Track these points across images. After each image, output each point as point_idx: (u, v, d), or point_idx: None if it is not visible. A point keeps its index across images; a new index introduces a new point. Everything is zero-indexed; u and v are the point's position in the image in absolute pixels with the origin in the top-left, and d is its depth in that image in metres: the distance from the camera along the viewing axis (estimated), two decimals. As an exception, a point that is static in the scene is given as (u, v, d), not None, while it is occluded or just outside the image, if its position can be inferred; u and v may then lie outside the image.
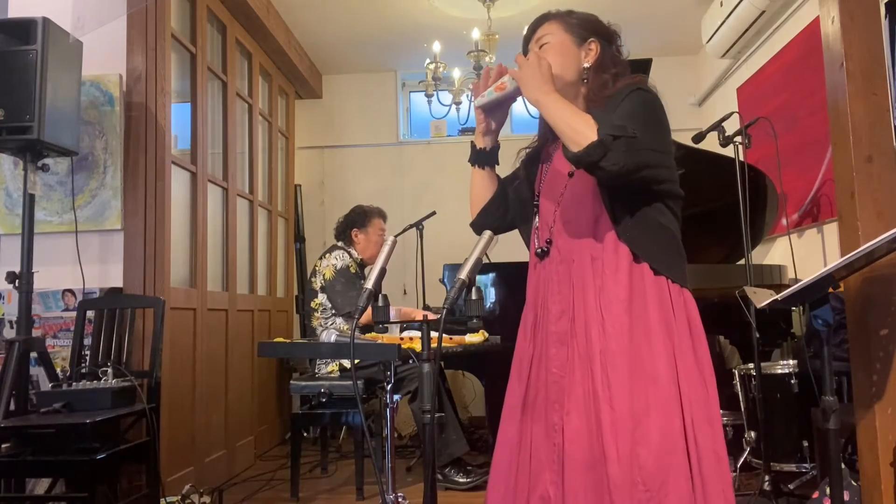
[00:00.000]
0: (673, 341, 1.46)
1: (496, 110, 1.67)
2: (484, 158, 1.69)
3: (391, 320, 1.51)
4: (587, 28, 1.62)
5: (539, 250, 1.62)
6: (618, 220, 1.49)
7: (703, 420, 1.43)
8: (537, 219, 1.67)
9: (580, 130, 1.39)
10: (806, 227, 3.70)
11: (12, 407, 2.43)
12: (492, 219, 1.74)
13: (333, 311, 3.59)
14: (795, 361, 3.00)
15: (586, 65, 1.59)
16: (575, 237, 1.55)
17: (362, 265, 3.77)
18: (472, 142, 1.70)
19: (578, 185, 1.56)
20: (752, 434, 2.96)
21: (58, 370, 2.70)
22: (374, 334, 2.02)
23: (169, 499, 2.68)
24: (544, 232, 1.62)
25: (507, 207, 1.75)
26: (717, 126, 2.95)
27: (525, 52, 1.66)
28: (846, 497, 1.91)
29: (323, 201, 5.47)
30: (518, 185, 1.74)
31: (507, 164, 1.79)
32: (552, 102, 1.45)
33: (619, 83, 1.56)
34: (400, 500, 1.86)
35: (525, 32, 1.69)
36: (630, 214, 1.49)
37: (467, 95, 4.22)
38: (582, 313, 1.50)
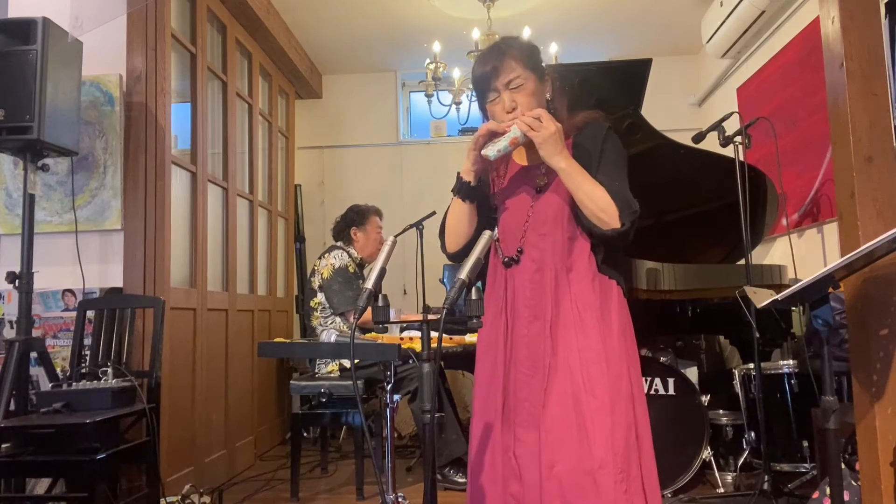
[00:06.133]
0: (626, 342, 1.68)
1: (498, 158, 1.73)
2: (473, 193, 1.76)
3: (391, 320, 1.51)
4: (538, 61, 1.73)
5: (507, 259, 1.73)
6: (595, 249, 1.69)
7: (643, 410, 1.68)
8: (496, 230, 1.80)
9: (604, 209, 1.60)
10: (806, 227, 3.70)
11: (12, 407, 2.43)
12: None
13: (332, 311, 3.60)
14: (795, 361, 3.00)
15: (548, 97, 1.74)
16: (550, 249, 1.69)
17: (361, 264, 3.77)
18: (458, 174, 1.75)
19: (551, 205, 1.70)
20: (752, 434, 2.96)
21: (58, 370, 2.70)
22: (374, 334, 2.02)
23: (169, 499, 2.69)
24: (511, 241, 1.73)
25: None
26: (717, 126, 2.96)
27: (486, 89, 1.73)
28: (846, 497, 1.91)
29: (323, 201, 5.47)
30: None
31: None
32: (574, 171, 1.62)
33: (579, 116, 1.73)
34: (400, 500, 1.87)
35: (481, 68, 1.72)
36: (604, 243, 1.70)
37: (467, 95, 4.21)
38: (559, 317, 1.65)
